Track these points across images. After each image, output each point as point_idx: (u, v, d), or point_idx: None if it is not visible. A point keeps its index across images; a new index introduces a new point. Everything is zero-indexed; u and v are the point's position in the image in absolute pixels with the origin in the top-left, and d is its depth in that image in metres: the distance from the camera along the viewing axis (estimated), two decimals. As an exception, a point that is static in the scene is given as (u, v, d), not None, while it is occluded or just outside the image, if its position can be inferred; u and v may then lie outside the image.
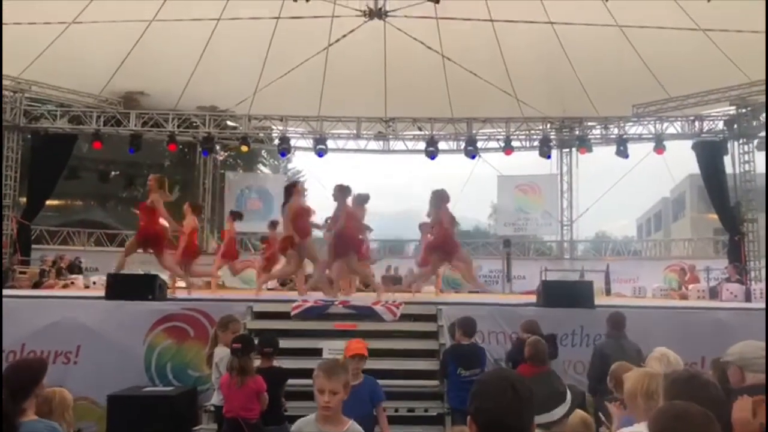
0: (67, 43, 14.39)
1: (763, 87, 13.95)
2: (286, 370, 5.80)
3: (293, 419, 4.14)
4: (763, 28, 10.98)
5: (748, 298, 11.93)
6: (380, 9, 13.23)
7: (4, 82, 15.87)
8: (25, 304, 8.58)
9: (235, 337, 5.35)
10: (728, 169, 16.33)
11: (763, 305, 8.72)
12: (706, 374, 3.36)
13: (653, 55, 15.13)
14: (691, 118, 16.79)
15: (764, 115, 15.10)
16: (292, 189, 9.94)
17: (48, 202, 17.91)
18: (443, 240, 9.85)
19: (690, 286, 14.06)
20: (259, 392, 5.18)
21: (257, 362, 5.52)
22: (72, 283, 13.45)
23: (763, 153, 15.36)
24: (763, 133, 15.56)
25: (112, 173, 21.36)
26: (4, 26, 12.75)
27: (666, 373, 3.08)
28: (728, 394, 3.04)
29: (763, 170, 15.44)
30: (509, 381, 2.07)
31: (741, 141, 16.18)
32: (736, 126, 16.13)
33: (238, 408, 5.13)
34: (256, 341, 5.74)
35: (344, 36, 14.61)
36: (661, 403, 2.73)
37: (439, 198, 9.83)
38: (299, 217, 9.59)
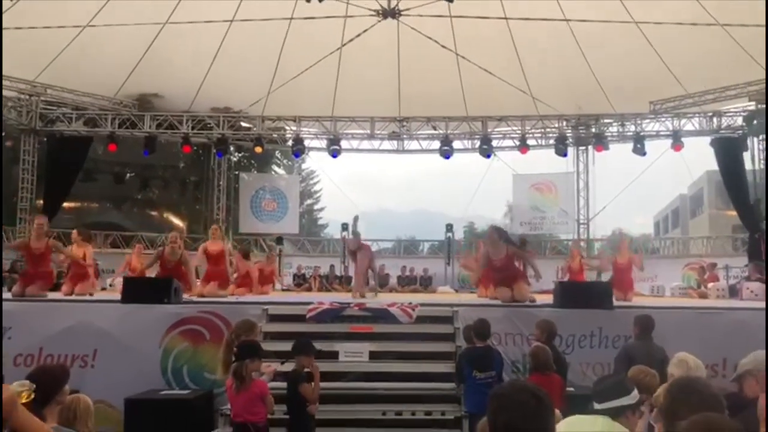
0: (82, 47, 14.47)
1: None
2: (301, 373, 5.76)
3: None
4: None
5: (769, 296, 11.73)
6: (393, 8, 13.17)
7: (20, 86, 16.00)
8: (41, 307, 8.62)
9: (238, 343, 5.39)
10: (748, 166, 16.10)
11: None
12: (706, 380, 3.29)
13: (670, 51, 14.93)
14: (710, 114, 16.54)
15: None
16: None
17: (64, 205, 18.01)
18: None
19: (709, 285, 13.87)
20: (263, 395, 5.23)
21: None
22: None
23: None
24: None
25: (128, 175, 21.42)
26: (20, 30, 12.87)
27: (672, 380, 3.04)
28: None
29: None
30: (530, 391, 2.04)
31: (761, 137, 15.89)
32: (755, 122, 15.87)
33: (243, 412, 5.21)
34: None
35: (357, 36, 14.57)
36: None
37: None
38: None
